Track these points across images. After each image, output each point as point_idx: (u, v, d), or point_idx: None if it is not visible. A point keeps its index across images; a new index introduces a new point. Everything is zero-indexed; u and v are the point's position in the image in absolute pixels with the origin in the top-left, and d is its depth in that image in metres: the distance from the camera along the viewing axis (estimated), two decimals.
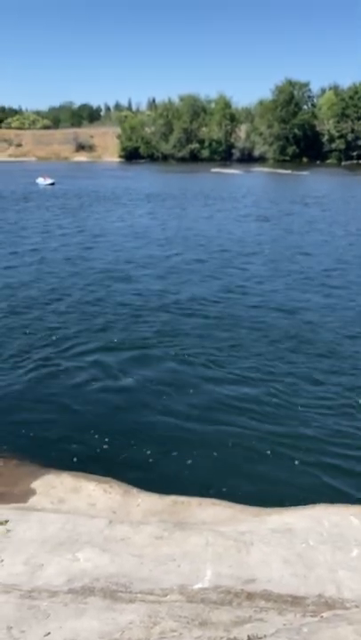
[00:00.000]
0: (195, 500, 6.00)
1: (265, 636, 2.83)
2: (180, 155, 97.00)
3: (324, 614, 3.32)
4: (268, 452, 7.34)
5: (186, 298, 14.33)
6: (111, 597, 4.11)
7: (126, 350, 10.70)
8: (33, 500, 6.00)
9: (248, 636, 2.93)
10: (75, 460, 7.03)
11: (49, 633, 3.56)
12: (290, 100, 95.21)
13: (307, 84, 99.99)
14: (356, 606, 3.45)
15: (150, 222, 28.56)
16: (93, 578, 4.41)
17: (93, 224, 27.81)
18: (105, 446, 7.39)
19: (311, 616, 3.47)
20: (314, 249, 21.39)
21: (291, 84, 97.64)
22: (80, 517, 5.50)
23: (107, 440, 7.53)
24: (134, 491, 6.25)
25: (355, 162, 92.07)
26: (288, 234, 25.17)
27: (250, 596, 4.10)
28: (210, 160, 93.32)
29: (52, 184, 50.89)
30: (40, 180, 52.11)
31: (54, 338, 11.30)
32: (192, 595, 4.18)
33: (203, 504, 5.92)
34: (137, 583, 4.32)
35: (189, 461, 7.08)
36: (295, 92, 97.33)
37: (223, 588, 4.27)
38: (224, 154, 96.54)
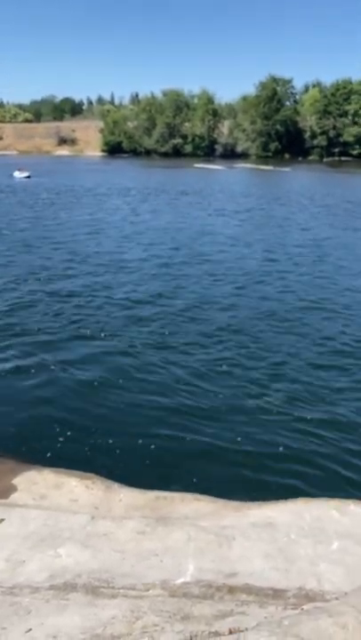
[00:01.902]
0: (177, 496, 6.02)
1: (246, 629, 2.86)
2: (162, 150, 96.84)
3: (305, 607, 3.36)
4: (250, 448, 7.39)
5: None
6: (93, 593, 4.10)
7: (102, 344, 10.69)
8: (14, 497, 5.95)
9: (230, 630, 2.95)
10: (56, 456, 7.00)
11: (30, 629, 3.55)
12: (273, 96, 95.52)
13: (290, 81, 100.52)
14: (337, 598, 3.49)
15: (113, 217, 28.39)
16: (75, 574, 4.40)
17: (54, 216, 27.93)
18: (87, 442, 7.37)
19: (292, 609, 3.50)
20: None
21: (274, 80, 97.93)
22: (62, 513, 5.47)
23: (89, 436, 7.51)
24: (116, 486, 6.25)
25: (336, 158, 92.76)
26: (255, 229, 25.40)
27: (231, 590, 4.13)
28: (193, 155, 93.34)
29: (29, 177, 51.07)
30: (16, 174, 52.28)
31: (19, 330, 11.30)
32: (174, 589, 4.20)
33: (185, 499, 5.93)
34: (119, 578, 4.32)
35: (171, 456, 7.10)
36: (278, 89, 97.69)
37: (205, 582, 4.29)
38: (207, 149, 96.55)
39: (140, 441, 7.42)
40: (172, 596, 4.04)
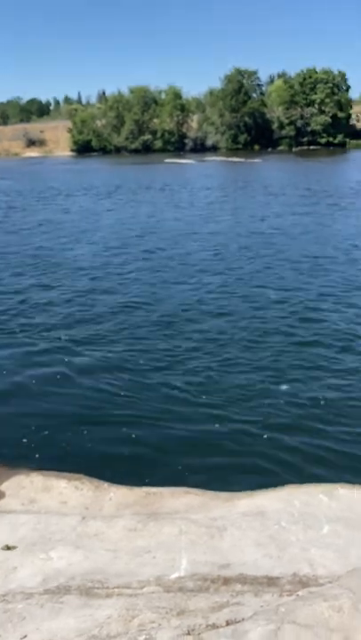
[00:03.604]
0: (167, 491, 6.01)
1: (243, 619, 2.86)
2: (132, 147, 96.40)
3: (300, 592, 3.38)
4: (237, 438, 7.41)
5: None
6: (87, 594, 4.07)
7: (84, 342, 10.65)
8: (2, 503, 5.88)
9: (226, 621, 2.95)
10: (44, 458, 6.93)
11: (25, 636, 3.51)
12: (239, 88, 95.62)
13: (255, 72, 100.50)
14: (330, 582, 3.52)
15: (69, 216, 28.14)
16: (68, 576, 4.36)
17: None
18: (74, 443, 7.31)
19: (287, 595, 3.52)
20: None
21: (239, 72, 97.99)
22: (52, 516, 5.43)
23: (75, 436, 7.46)
24: (106, 485, 6.21)
25: (305, 148, 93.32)
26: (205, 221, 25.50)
27: (226, 581, 4.14)
28: (163, 151, 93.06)
29: None
30: None
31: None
32: (169, 585, 4.19)
33: (175, 494, 5.93)
34: (113, 578, 4.30)
35: (159, 452, 7.08)
36: (244, 81, 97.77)
37: (199, 575, 4.29)
38: (177, 144, 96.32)
39: (127, 438, 7.40)
40: (167, 592, 4.03)
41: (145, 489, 6.09)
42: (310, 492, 5.90)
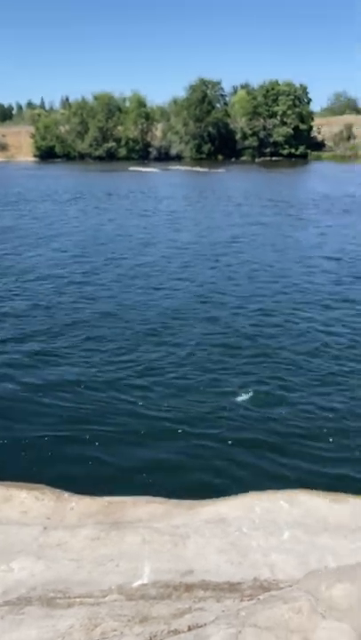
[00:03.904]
0: (129, 500, 6.00)
1: (205, 624, 2.90)
2: (96, 154, 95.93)
3: (261, 597, 3.44)
4: (199, 447, 7.47)
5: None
6: (49, 604, 4.04)
7: (43, 355, 10.55)
8: None
9: (188, 627, 2.98)
10: (4, 470, 6.83)
11: None
12: (203, 98, 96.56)
13: (219, 83, 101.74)
14: (290, 585, 3.59)
15: (27, 222, 27.88)
16: (30, 587, 4.32)
17: None
18: (36, 455, 7.24)
19: (248, 600, 3.58)
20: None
21: (203, 82, 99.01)
22: (12, 527, 5.35)
23: (37, 449, 7.39)
24: (66, 495, 6.16)
25: (268, 159, 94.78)
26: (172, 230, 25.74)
27: (188, 588, 4.17)
28: (127, 159, 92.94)
29: None
30: None
31: None
32: (131, 593, 4.20)
33: (137, 503, 5.93)
34: (75, 587, 4.28)
35: (121, 461, 7.08)
36: (208, 91, 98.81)
37: (162, 582, 4.31)
38: (141, 152, 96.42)
39: (89, 450, 7.37)
40: (129, 600, 4.04)
41: (107, 498, 6.07)
42: (271, 498, 5.99)
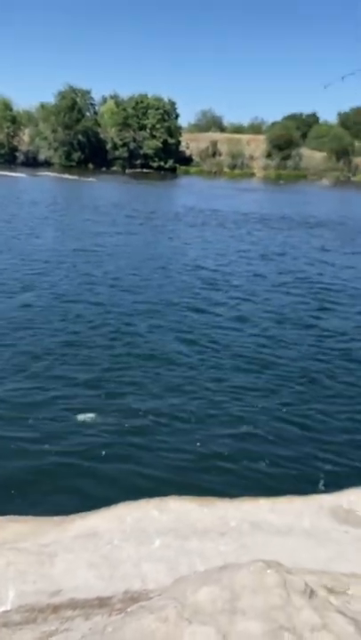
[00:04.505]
0: None
1: None
2: None
3: (130, 609, 3.40)
4: (67, 457, 7.29)
5: None
6: None
7: None
8: None
9: None
10: None
11: None
12: (73, 106, 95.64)
13: (88, 92, 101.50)
14: (159, 594, 3.59)
15: None
16: None
17: None
18: None
19: (118, 614, 3.52)
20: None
21: (73, 90, 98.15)
22: None
23: None
24: None
25: (138, 170, 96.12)
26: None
27: (56, 609, 4.01)
28: None
29: None
30: None
31: None
32: None
33: (0, 523, 5.62)
34: None
35: None
36: (78, 99, 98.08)
37: (27, 606, 4.10)
38: (7, 157, 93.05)
39: None
40: None
41: None
42: (142, 507, 5.98)
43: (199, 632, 2.54)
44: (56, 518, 5.87)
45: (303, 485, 7.00)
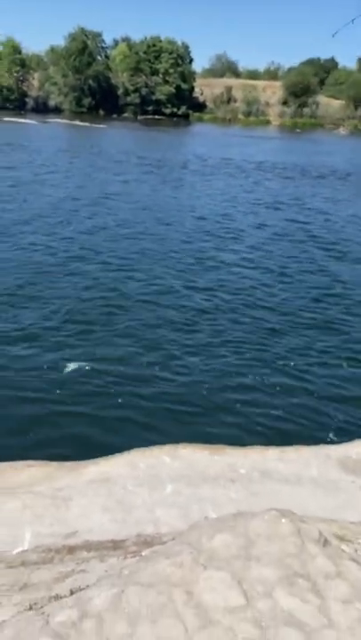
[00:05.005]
0: (7, 465, 5.76)
1: (87, 586, 2.85)
2: None
3: (144, 553, 3.46)
4: (80, 405, 7.35)
5: None
6: None
7: None
8: None
9: (70, 590, 2.92)
10: None
11: None
12: (83, 49, 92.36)
13: (100, 35, 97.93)
14: (173, 539, 3.65)
15: None
16: None
17: None
18: None
19: (132, 557, 3.59)
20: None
21: (84, 32, 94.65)
22: None
23: None
24: None
25: (150, 117, 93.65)
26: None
27: (71, 550, 4.11)
28: (2, 108, 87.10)
29: None
30: None
31: None
32: (11, 560, 4.05)
33: (17, 467, 5.71)
34: None
35: None
36: (89, 42, 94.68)
37: (44, 547, 4.20)
38: (17, 102, 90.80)
39: None
40: (9, 568, 3.89)
41: None
42: (154, 454, 6.05)
43: (215, 577, 2.57)
44: (69, 463, 5.97)
45: (312, 435, 7.04)
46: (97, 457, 6.02)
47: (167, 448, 6.23)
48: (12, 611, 2.71)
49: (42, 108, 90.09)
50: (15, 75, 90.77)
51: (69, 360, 8.46)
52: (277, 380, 8.37)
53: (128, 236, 16.36)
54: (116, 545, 4.23)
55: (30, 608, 2.64)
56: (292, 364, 8.87)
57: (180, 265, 13.71)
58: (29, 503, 4.87)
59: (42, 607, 2.59)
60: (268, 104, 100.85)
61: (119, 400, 7.58)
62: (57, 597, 2.79)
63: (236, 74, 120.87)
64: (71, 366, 8.29)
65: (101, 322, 9.94)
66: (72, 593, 2.75)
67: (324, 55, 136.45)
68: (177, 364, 8.57)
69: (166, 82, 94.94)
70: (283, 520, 2.99)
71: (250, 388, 8.10)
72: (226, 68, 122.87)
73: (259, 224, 19.29)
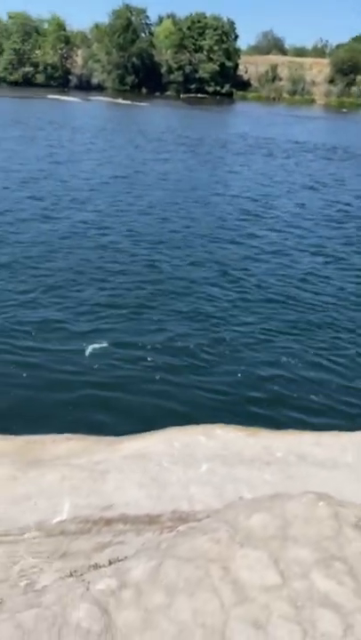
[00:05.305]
0: (48, 438, 5.92)
1: (126, 557, 2.92)
2: (12, 78, 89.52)
3: (180, 528, 3.52)
4: (119, 381, 7.46)
5: None
6: None
7: None
8: None
9: (109, 560, 3.00)
10: None
11: None
12: (127, 26, 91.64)
13: (144, 11, 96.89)
14: (208, 516, 3.69)
15: None
16: None
17: None
18: None
19: (168, 532, 3.65)
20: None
21: (128, 8, 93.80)
22: None
23: None
24: None
25: (193, 95, 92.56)
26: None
27: (108, 522, 4.20)
28: (46, 86, 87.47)
29: None
30: None
31: None
32: (50, 529, 4.17)
33: (56, 440, 5.86)
34: None
35: (36, 399, 6.95)
36: (133, 18, 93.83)
37: (82, 517, 4.31)
38: (61, 80, 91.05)
39: (5, 388, 7.16)
40: (48, 537, 4.01)
41: (24, 437, 5.95)
42: (190, 433, 6.11)
43: (251, 555, 2.60)
44: (107, 438, 6.08)
45: (351, 421, 6.97)
46: (133, 433, 6.13)
47: (203, 428, 6.28)
48: (54, 576, 2.81)
49: (85, 86, 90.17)
50: (59, 52, 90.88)
51: (108, 341, 8.58)
52: (311, 365, 8.31)
53: (159, 216, 16.35)
54: (151, 520, 4.31)
55: (70, 575, 2.73)
56: (328, 350, 8.77)
57: (211, 246, 13.66)
58: (68, 475, 5.00)
59: (82, 575, 2.67)
60: (314, 83, 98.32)
61: (156, 377, 7.66)
62: (96, 566, 2.88)
63: (283, 51, 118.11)
64: (101, 347, 8.39)
65: (142, 304, 9.98)
66: (110, 563, 2.83)
67: None
68: (220, 351, 8.54)
69: (210, 59, 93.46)
70: (320, 503, 2.99)
71: (287, 379, 8.03)
72: (272, 45, 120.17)
73: (296, 205, 19.01)
